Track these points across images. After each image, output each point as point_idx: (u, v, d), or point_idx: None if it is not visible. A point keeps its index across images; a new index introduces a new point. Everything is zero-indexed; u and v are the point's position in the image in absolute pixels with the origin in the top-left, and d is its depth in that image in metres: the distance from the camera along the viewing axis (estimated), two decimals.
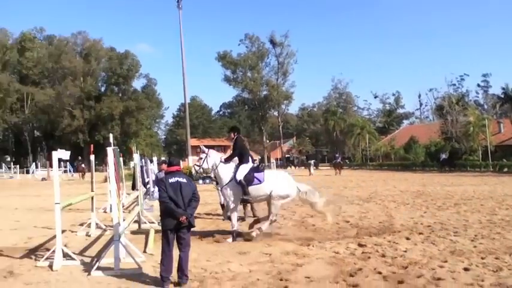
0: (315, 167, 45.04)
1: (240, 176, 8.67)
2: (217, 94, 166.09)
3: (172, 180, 5.86)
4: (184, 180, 5.93)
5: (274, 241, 8.38)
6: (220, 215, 11.88)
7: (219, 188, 9.68)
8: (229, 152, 9.93)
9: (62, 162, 42.29)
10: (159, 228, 9.70)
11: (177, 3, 39.56)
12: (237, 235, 8.68)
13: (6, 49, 66.43)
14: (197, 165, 9.12)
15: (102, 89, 75.37)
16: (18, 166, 50.83)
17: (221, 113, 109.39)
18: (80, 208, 13.01)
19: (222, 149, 71.68)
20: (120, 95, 74.04)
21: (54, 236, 8.67)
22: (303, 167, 61.33)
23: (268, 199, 8.91)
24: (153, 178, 15.91)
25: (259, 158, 73.67)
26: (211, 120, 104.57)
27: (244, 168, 8.79)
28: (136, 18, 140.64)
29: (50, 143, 72.69)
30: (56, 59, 67.64)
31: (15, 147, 75.24)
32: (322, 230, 9.63)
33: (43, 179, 39.39)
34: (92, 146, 9.97)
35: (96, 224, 9.95)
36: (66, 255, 6.86)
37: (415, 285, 5.42)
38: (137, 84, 78.90)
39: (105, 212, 13.43)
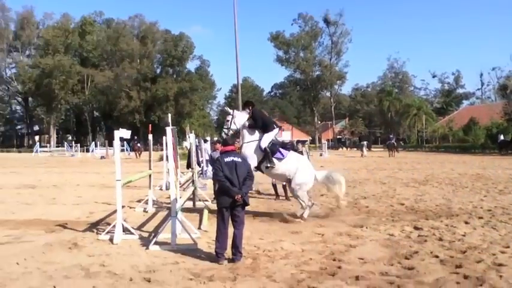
0: (367, 149, 44.16)
1: (264, 143, 8.64)
2: (269, 75, 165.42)
3: (227, 159, 5.95)
4: (239, 160, 6.02)
5: (327, 222, 8.34)
6: (272, 194, 11.95)
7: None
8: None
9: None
10: (213, 206, 9.97)
11: None
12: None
13: (69, 33, 69.29)
14: (225, 128, 8.96)
15: (158, 70, 77.17)
16: (79, 145, 53.29)
17: (272, 93, 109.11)
18: (137, 185, 13.47)
19: None
20: (175, 76, 75.56)
21: (114, 211, 9.11)
22: (354, 149, 60.34)
23: (284, 180, 8.86)
24: (207, 158, 16.26)
25: (310, 139, 73.21)
26: (263, 101, 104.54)
27: (269, 137, 8.74)
28: (191, 0, 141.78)
29: (108, 123, 75.82)
30: (114, 41, 69.84)
31: (76, 126, 78.95)
32: (376, 212, 9.45)
33: (102, 157, 41.04)
34: (150, 125, 10.24)
35: (153, 200, 10.28)
36: (125, 230, 7.15)
37: (475, 270, 5.21)
38: (191, 65, 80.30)
39: (160, 189, 13.86)
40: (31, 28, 69.52)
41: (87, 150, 52.60)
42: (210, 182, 14.73)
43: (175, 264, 5.63)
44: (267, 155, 8.59)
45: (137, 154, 39.73)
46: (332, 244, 6.57)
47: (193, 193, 10.48)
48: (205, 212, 9.10)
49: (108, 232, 7.15)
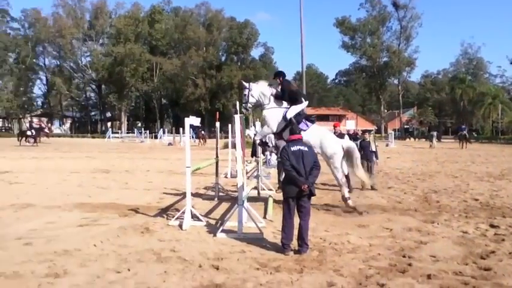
0: (437, 140, 42.26)
1: (290, 114, 8.49)
2: (334, 62, 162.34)
3: (294, 148, 5.91)
4: (306, 149, 5.96)
5: (395, 216, 8.09)
6: (336, 185, 11.78)
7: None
8: None
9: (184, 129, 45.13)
10: (277, 195, 10.00)
11: None
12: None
13: (139, 22, 71.87)
14: (244, 103, 8.86)
15: (223, 58, 78.27)
16: (148, 131, 55.42)
17: (337, 81, 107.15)
18: (203, 172, 13.78)
19: (337, 118, 70.75)
20: (239, 64, 76.28)
21: (183, 198, 9.42)
22: (423, 139, 57.99)
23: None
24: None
25: (375, 128, 71.25)
26: (327, 88, 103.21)
27: (296, 109, 8.56)
28: None
29: (175, 110, 78.16)
30: (182, 30, 71.62)
31: (146, 113, 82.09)
32: (448, 207, 9.03)
33: (169, 144, 42.41)
34: (218, 113, 10.41)
35: (219, 188, 10.48)
36: (194, 216, 7.34)
37: None
38: (255, 53, 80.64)
39: (225, 177, 14.12)
40: (104, 17, 72.84)
41: (156, 137, 54.59)
42: (273, 171, 14.82)
43: (242, 252, 5.71)
44: (293, 126, 8.27)
45: (201, 141, 40.66)
46: (401, 240, 6.36)
47: (258, 182, 10.56)
48: (270, 201, 9.14)
49: (177, 218, 7.39)
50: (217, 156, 10.61)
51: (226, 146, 13.45)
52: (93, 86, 77.70)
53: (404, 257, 5.51)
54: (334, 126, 12.23)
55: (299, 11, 35.71)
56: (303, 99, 8.77)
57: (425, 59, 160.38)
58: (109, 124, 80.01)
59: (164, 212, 8.49)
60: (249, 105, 8.83)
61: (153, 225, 7.27)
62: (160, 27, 73.43)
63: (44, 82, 78.10)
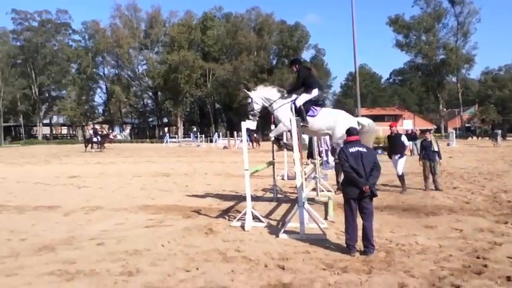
0: (501, 138, 40.08)
1: (300, 102, 8.41)
2: (387, 61, 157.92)
3: (352, 149, 5.84)
4: (365, 150, 5.87)
5: (464, 217, 7.76)
6: (398, 186, 11.46)
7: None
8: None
9: (239, 132, 45.60)
10: (337, 196, 9.90)
11: None
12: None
13: (192, 29, 73.47)
14: (250, 112, 8.81)
15: (274, 61, 78.49)
16: (203, 135, 56.49)
17: (391, 80, 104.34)
18: (260, 175, 13.85)
19: (393, 118, 68.92)
20: None
21: (242, 199, 9.53)
22: (486, 138, 55.24)
23: (324, 135, 8.68)
24: (326, 148, 16.16)
25: (434, 128, 68.76)
26: (381, 88, 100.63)
27: (305, 97, 8.46)
28: None
29: (229, 114, 79.17)
30: (233, 35, 72.51)
31: (200, 118, 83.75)
32: None
33: (224, 147, 42.96)
34: (272, 116, 10.42)
35: (277, 190, 10.51)
36: (255, 217, 7.42)
37: None
38: (306, 55, 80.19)
39: (282, 179, 14.12)
40: (159, 26, 75.03)
41: (211, 141, 55.51)
42: (331, 172, 14.66)
43: (306, 253, 5.70)
44: (300, 114, 8.32)
45: (255, 144, 40.89)
46: (473, 241, 6.10)
47: (316, 183, 10.49)
48: (331, 202, 9.06)
49: (239, 219, 7.49)
50: (273, 158, 10.64)
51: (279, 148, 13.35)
52: (150, 93, 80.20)
53: (478, 258, 5.28)
54: (390, 126, 11.93)
55: (350, 11, 35.25)
56: (315, 87, 8.62)
57: (485, 55, 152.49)
58: (166, 129, 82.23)
59: (225, 213, 8.63)
60: (255, 112, 8.81)
61: (216, 226, 7.41)
62: (212, 33, 74.69)
63: (104, 90, 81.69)
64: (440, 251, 5.65)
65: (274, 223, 7.65)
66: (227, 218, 8.11)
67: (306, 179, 7.81)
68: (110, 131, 62.80)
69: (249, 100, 8.86)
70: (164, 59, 72.38)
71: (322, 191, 10.79)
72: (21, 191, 12.28)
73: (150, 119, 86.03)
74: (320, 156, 14.26)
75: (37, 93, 70.44)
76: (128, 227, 7.49)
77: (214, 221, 7.88)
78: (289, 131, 8.48)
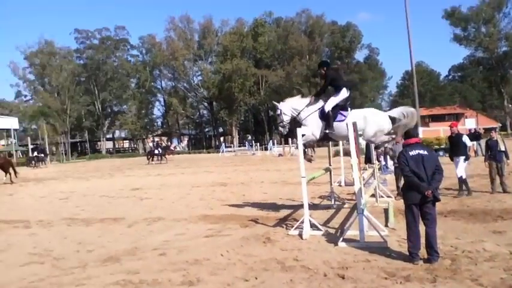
0: None
1: (328, 106, 8.25)
2: (446, 57, 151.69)
3: (413, 152, 5.65)
4: (426, 152, 5.67)
5: None
6: (459, 189, 10.96)
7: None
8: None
9: (293, 139, 45.37)
10: (397, 202, 9.60)
11: None
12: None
13: (243, 37, 74.34)
14: (279, 124, 8.86)
15: None
16: (258, 144, 56.83)
17: (450, 77, 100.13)
18: (316, 182, 13.73)
19: (454, 117, 66.01)
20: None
21: (299, 207, 9.49)
22: None
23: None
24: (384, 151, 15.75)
25: (499, 126, 65.12)
26: (440, 86, 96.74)
27: (334, 100, 8.31)
28: None
29: None
30: (284, 40, 72.63)
31: (254, 126, 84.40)
32: None
33: (280, 155, 43.00)
34: None
35: (335, 196, 10.38)
36: (312, 226, 7.36)
37: None
38: (359, 55, 78.77)
39: (339, 185, 13.91)
40: (211, 36, 76.54)
41: (266, 149, 55.77)
42: (390, 177, 14.27)
43: (366, 262, 5.58)
44: (328, 120, 8.21)
45: (310, 150, 40.52)
46: None
47: (375, 189, 10.25)
48: (391, 208, 8.82)
49: (296, 228, 7.46)
50: (330, 165, 10.52)
51: (337, 154, 13.14)
52: (206, 104, 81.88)
53: None
54: (451, 127, 11.43)
55: (403, 7, 34.25)
56: (344, 89, 8.47)
57: None
58: (222, 139, 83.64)
59: (283, 221, 8.62)
60: (285, 123, 8.80)
61: (273, 234, 7.43)
62: (264, 39, 75.09)
63: (162, 103, 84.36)
64: (511, 258, 5.33)
65: (332, 231, 7.55)
66: (285, 226, 8.10)
67: (364, 184, 7.68)
68: (169, 142, 64.80)
69: (278, 112, 8.88)
70: (218, 69, 73.71)
71: (382, 196, 10.54)
72: (88, 204, 12.92)
73: (206, 130, 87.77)
74: (378, 160, 13.94)
75: (100, 109, 74.12)
76: (188, 237, 7.68)
77: (272, 229, 7.90)
78: (320, 139, 8.71)
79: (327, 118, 8.28)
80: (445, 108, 76.45)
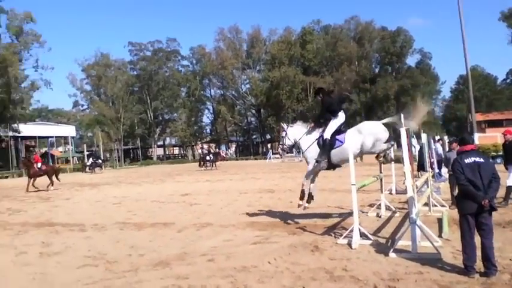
0: None
1: (328, 134, 8.55)
2: (503, 60, 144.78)
3: (468, 160, 5.42)
4: (482, 160, 5.42)
5: None
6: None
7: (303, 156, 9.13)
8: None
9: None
10: (451, 211, 9.23)
11: None
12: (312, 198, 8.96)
13: (291, 45, 74.46)
14: (281, 145, 9.38)
15: (376, 70, 76.39)
16: None
17: (508, 81, 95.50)
18: (366, 189, 13.44)
19: None
20: (394, 74, 73.59)
21: (348, 216, 9.34)
22: None
23: (358, 156, 8.66)
24: (437, 158, 15.21)
25: None
26: (497, 90, 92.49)
27: (332, 127, 8.59)
28: None
29: None
30: (332, 47, 72.08)
31: None
32: None
33: None
34: None
35: (386, 205, 10.12)
36: (362, 235, 7.20)
37: None
38: (411, 60, 76.77)
39: (390, 193, 13.56)
40: (259, 45, 77.19)
41: None
42: (443, 185, 13.76)
43: (419, 274, 5.38)
44: (325, 148, 8.52)
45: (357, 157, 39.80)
46: None
47: (428, 197, 9.91)
48: (445, 218, 8.47)
49: (345, 236, 7.33)
50: (380, 172, 10.29)
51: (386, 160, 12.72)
52: (253, 111, 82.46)
53: None
54: (504, 134, 10.86)
55: (456, 11, 33.17)
56: (340, 113, 8.78)
57: None
58: (269, 145, 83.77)
59: (331, 230, 8.49)
60: (285, 147, 9.36)
61: (322, 243, 7.33)
62: (312, 47, 74.83)
63: (211, 111, 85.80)
64: None
65: (382, 241, 7.36)
66: (333, 235, 7.97)
67: (417, 193, 7.46)
68: (217, 149, 65.71)
69: (283, 134, 9.29)
70: (266, 77, 74.15)
71: (435, 205, 10.17)
72: (140, 209, 13.29)
73: (254, 136, 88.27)
74: (432, 168, 13.47)
75: (152, 117, 76.42)
76: (236, 244, 7.72)
77: (320, 238, 7.80)
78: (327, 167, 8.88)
79: (326, 146, 8.57)
80: (503, 114, 72.81)
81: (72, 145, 73.04)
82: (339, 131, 8.76)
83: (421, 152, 12.71)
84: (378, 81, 70.21)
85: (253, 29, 77.85)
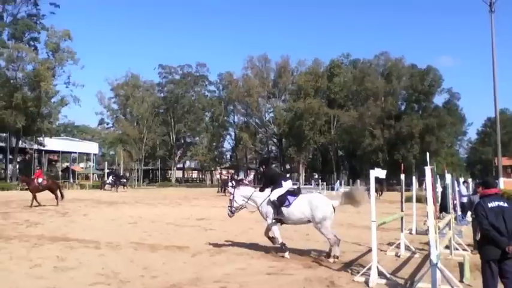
0: None
1: (274, 196, 9.28)
2: None
3: (492, 204, 5.25)
4: (506, 205, 5.26)
5: None
6: None
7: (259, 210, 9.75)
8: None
9: (358, 180, 43.76)
10: (473, 256, 8.91)
11: (489, 7, 35.56)
12: (283, 246, 9.21)
13: (318, 77, 74.89)
14: (229, 207, 9.98)
15: (402, 107, 75.87)
16: (324, 183, 55.96)
17: None
18: (385, 227, 13.16)
19: None
20: (420, 112, 72.90)
21: (366, 253, 9.12)
22: None
23: (305, 223, 9.35)
24: (462, 201, 14.87)
25: None
26: None
27: (279, 191, 9.31)
28: (438, 31, 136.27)
29: (352, 162, 77.73)
30: (360, 81, 71.99)
31: (322, 165, 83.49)
32: None
33: None
34: (403, 165, 10.00)
35: (405, 245, 9.85)
36: (380, 273, 6.99)
37: None
38: (438, 99, 76.04)
39: (410, 233, 13.23)
40: (287, 75, 77.77)
41: (332, 189, 54.77)
42: (466, 229, 13.39)
43: None
44: (275, 207, 9.23)
45: (377, 193, 39.16)
46: None
47: (450, 240, 9.61)
48: (467, 262, 8.18)
49: (363, 274, 7.12)
50: (402, 210, 10.07)
51: (407, 200, 12.49)
52: (275, 140, 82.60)
53: None
54: None
55: (488, 51, 32.95)
56: (283, 182, 9.53)
57: None
58: (288, 175, 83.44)
59: (348, 266, 8.28)
60: (233, 209, 9.92)
61: (338, 279, 7.14)
62: (339, 80, 75.06)
63: (233, 137, 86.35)
64: None
65: (401, 281, 7.12)
66: (350, 271, 7.76)
67: (439, 234, 7.27)
68: (236, 176, 65.73)
69: (231, 197, 10.01)
70: (290, 107, 74.49)
71: (457, 249, 9.84)
72: (155, 230, 13.26)
73: (274, 165, 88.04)
74: (454, 210, 13.14)
75: (174, 139, 77.24)
76: (249, 273, 7.59)
77: (336, 273, 7.60)
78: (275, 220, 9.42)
79: (274, 205, 9.28)
80: None
81: (93, 162, 74.19)
82: (293, 191, 9.61)
83: (444, 193, 12.42)
84: (403, 119, 69.52)
85: (282, 59, 78.62)
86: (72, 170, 67.07)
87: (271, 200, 9.35)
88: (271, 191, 9.50)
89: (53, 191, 22.09)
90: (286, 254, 9.14)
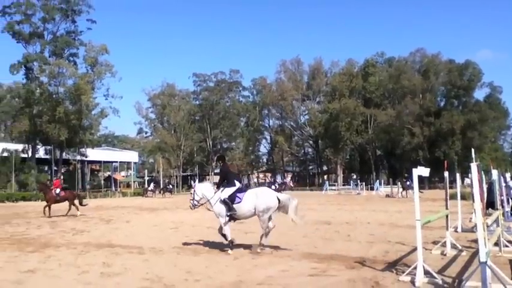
0: None
1: (224, 195, 10.02)
2: None
3: None
4: None
5: None
6: None
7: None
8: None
9: (400, 179, 42.86)
10: None
11: None
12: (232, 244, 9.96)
13: (353, 77, 74.09)
14: (190, 201, 10.70)
15: (441, 103, 73.91)
16: (363, 183, 55.15)
17: None
18: (429, 226, 12.81)
19: None
20: (461, 108, 70.79)
21: (410, 252, 8.92)
22: None
23: (254, 215, 9.99)
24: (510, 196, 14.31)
25: None
26: None
27: (228, 190, 10.07)
28: (476, 25, 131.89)
29: (391, 161, 76.28)
30: (396, 79, 70.69)
31: (360, 165, 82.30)
32: None
33: (387, 195, 41.19)
34: (446, 162, 9.72)
35: (451, 243, 9.56)
36: (426, 273, 6.80)
37: None
38: (479, 94, 73.65)
39: (455, 231, 12.83)
40: (320, 77, 77.43)
41: (371, 189, 53.91)
42: None
43: None
44: (227, 204, 9.90)
45: (407, 192, 38.04)
46: None
47: (499, 237, 9.25)
48: None
49: (408, 273, 6.95)
50: (447, 208, 9.78)
51: (451, 197, 12.09)
52: (311, 142, 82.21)
53: None
54: None
55: None
56: (236, 182, 10.26)
57: None
58: (325, 177, 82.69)
59: (392, 266, 8.10)
60: (194, 202, 10.66)
61: (382, 279, 6.99)
62: (374, 79, 73.95)
63: (268, 141, 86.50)
64: None
65: (448, 280, 6.91)
66: (395, 271, 7.59)
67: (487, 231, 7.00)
68: (272, 179, 65.84)
69: (192, 191, 10.86)
70: (325, 108, 74.00)
71: (507, 246, 9.46)
72: (196, 235, 13.42)
73: (310, 167, 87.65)
74: (502, 206, 12.65)
75: (211, 145, 78.12)
76: (291, 274, 7.54)
77: (380, 274, 7.45)
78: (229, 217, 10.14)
79: (225, 203, 9.96)
80: None
81: (134, 170, 75.97)
82: (241, 189, 10.28)
83: (490, 188, 11.97)
84: (443, 115, 67.66)
85: (315, 61, 78.44)
86: (113, 178, 69.01)
87: (222, 199, 10.03)
88: (222, 189, 10.21)
89: (70, 202, 21.29)
90: (230, 251, 9.83)
